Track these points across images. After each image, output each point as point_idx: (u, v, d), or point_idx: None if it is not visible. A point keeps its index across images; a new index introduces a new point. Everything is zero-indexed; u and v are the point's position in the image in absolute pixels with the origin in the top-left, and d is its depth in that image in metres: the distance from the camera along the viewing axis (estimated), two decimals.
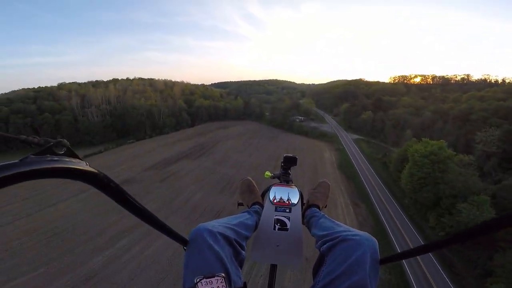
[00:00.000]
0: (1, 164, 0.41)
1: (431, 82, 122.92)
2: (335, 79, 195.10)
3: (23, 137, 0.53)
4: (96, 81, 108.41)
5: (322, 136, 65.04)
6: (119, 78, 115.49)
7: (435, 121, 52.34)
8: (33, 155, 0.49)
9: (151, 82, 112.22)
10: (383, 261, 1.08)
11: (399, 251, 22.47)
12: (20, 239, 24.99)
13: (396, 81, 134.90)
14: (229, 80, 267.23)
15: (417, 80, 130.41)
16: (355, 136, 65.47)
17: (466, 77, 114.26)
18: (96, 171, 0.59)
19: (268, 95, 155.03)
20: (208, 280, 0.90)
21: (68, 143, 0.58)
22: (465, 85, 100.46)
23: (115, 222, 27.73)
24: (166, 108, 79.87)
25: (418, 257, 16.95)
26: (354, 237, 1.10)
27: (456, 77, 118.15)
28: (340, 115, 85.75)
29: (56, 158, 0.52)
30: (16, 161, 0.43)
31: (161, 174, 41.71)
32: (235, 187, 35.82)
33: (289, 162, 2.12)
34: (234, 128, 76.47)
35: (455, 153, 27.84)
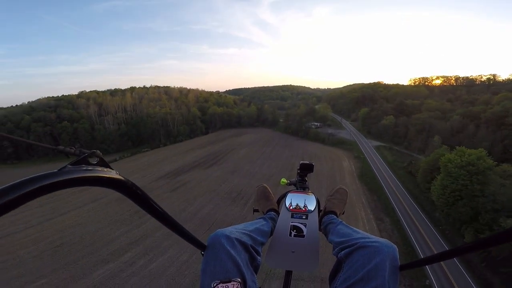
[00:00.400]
0: (43, 173, 0.45)
1: (455, 84, 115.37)
2: (351, 83, 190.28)
3: (61, 147, 0.59)
4: (115, 89, 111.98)
5: (340, 143, 61.49)
6: (137, 86, 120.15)
7: (465, 126, 47.92)
8: (70, 165, 0.54)
9: (166, 90, 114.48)
10: (403, 268, 1.06)
11: (429, 270, 19.17)
12: (27, 248, 24.75)
13: (417, 83, 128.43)
14: (243, 87, 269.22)
15: (438, 82, 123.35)
16: (376, 143, 61.21)
17: (492, 77, 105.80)
18: (125, 179, 0.63)
19: (282, 101, 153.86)
20: (224, 285, 0.92)
21: (101, 153, 0.64)
22: (492, 86, 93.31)
23: (121, 234, 27.03)
24: (181, 116, 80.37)
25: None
26: (373, 244, 1.08)
27: (482, 77, 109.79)
28: (358, 120, 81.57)
29: (90, 168, 0.57)
30: (56, 170, 0.48)
31: (172, 184, 40.90)
32: (247, 198, 34.11)
33: (306, 169, 2.09)
34: (247, 136, 75.13)
35: (496, 162, 24.39)
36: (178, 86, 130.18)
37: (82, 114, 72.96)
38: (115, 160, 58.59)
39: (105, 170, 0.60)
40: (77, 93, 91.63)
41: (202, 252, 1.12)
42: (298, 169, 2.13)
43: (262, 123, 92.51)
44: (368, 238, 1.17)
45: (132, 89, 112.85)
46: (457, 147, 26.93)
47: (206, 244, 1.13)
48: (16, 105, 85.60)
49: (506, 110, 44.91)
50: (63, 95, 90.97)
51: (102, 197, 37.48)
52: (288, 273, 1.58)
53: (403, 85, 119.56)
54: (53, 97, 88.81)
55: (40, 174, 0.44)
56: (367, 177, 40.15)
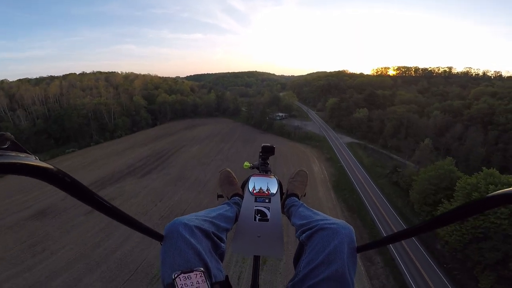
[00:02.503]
0: None
1: (414, 74, 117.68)
2: (315, 71, 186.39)
3: None
4: (50, 76, 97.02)
5: (308, 139, 53.26)
6: (77, 73, 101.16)
7: (450, 124, 43.16)
8: None
9: (108, 76, 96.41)
10: (360, 249, 1.07)
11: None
12: None
13: (379, 73, 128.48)
14: (206, 73, 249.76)
15: (393, 72, 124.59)
16: (348, 139, 53.79)
17: (448, 69, 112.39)
18: (47, 165, 0.51)
19: (247, 88, 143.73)
20: (186, 275, 0.87)
21: (12, 136, 0.52)
22: (449, 78, 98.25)
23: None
24: (119, 106, 65.90)
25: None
26: (331, 226, 1.09)
27: (439, 69, 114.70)
28: (325, 110, 74.71)
29: None
30: None
31: None
32: None
33: (267, 151, 2.07)
34: (203, 128, 64.47)
35: None
36: (126, 72, 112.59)
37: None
38: None
39: (20, 155, 0.49)
40: None
41: (161, 243, 1.04)
42: (260, 152, 2.09)
43: (222, 113, 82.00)
44: (327, 220, 1.17)
45: (65, 76, 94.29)
46: (483, 169, 19.89)
47: (163, 234, 1.06)
48: None
49: (491, 107, 41.30)
50: None
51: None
52: (256, 258, 1.57)
53: (367, 74, 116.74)
54: None
55: None
56: (343, 189, 32.29)
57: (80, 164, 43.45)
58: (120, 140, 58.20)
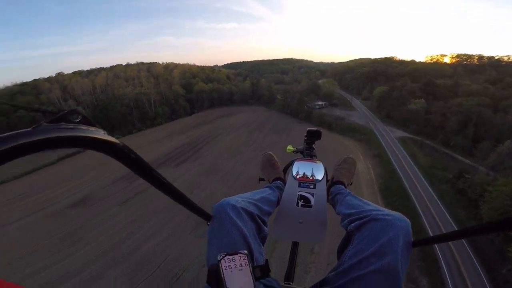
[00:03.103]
0: (12, 133, 0.36)
1: (476, 63, 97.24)
2: (357, 58, 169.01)
3: (36, 106, 0.71)
4: (99, 68, 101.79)
5: (352, 131, 47.02)
6: (124, 64, 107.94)
7: None
8: (46, 122, 0.43)
9: (150, 66, 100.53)
10: (416, 244, 1.02)
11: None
12: None
13: (434, 60, 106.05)
14: (242, 61, 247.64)
15: (447, 61, 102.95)
16: (399, 133, 45.92)
17: None
18: (115, 140, 0.53)
19: (283, 75, 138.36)
20: (231, 257, 0.89)
21: (83, 111, 0.54)
22: None
23: (43, 268, 19.25)
24: (159, 95, 67.98)
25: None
26: (385, 217, 1.04)
27: (510, 58, 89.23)
28: (371, 99, 66.44)
29: (71, 126, 0.46)
30: (28, 129, 0.38)
31: (128, 191, 30.59)
32: None
33: (313, 136, 2.03)
34: (238, 117, 63.09)
35: None
36: (166, 62, 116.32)
37: (43, 100, 60.98)
38: (79, 152, 48.01)
39: (91, 129, 0.50)
40: (54, 75, 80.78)
41: (208, 223, 1.08)
42: (305, 136, 2.06)
43: (257, 101, 79.62)
44: (380, 210, 1.13)
45: (112, 67, 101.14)
46: None
47: (211, 214, 1.08)
48: None
49: None
50: (34, 79, 78.43)
51: (40, 209, 27.95)
52: (295, 244, 1.59)
53: (420, 62, 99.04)
54: (18, 84, 75.74)
55: (6, 134, 0.35)
56: (394, 195, 27.20)
57: None
58: (159, 128, 60.10)
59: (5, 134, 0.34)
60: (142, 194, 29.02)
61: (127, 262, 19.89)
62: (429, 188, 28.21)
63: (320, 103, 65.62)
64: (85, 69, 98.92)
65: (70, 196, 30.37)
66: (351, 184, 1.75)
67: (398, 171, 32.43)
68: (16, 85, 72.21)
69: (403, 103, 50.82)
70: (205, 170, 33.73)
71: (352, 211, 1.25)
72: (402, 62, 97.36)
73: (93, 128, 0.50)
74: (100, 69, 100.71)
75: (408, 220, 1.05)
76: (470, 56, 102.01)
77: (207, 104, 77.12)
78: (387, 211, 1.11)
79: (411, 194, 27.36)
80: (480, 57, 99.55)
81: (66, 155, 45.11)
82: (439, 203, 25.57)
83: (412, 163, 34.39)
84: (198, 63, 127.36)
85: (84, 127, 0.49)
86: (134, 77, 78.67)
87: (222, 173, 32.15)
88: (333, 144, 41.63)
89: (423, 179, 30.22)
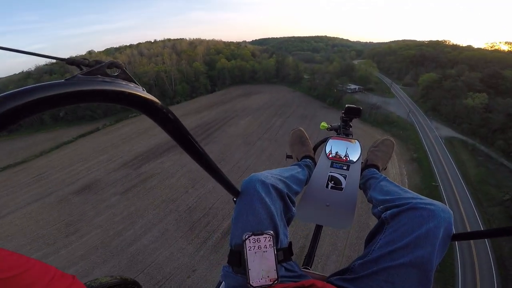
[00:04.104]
0: (44, 83, 0.34)
1: None
2: (400, 39, 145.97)
3: (71, 58, 0.44)
4: (130, 44, 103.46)
5: (388, 124, 39.40)
6: (153, 40, 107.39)
7: None
8: (81, 74, 0.40)
9: (174, 43, 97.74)
10: (456, 237, 0.94)
11: None
12: None
13: (494, 48, 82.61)
14: (271, 37, 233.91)
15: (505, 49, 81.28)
16: (446, 131, 37.47)
17: None
18: (154, 99, 0.49)
19: (314, 53, 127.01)
20: (256, 237, 0.87)
21: (123, 64, 0.48)
22: None
23: (40, 258, 16.71)
24: (179, 72, 65.43)
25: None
26: (427, 206, 0.94)
27: None
28: (416, 87, 55.80)
29: (108, 80, 0.43)
30: (62, 80, 0.36)
31: (131, 179, 29.24)
32: (215, 226, 20.98)
33: (351, 113, 1.86)
34: (258, 97, 58.46)
35: None
36: (191, 38, 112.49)
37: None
38: (97, 130, 48.54)
39: (130, 84, 0.46)
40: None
41: (234, 199, 1.02)
42: (342, 112, 1.92)
43: (282, 80, 73.45)
44: (421, 199, 1.00)
45: (138, 44, 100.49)
46: None
47: (239, 190, 1.01)
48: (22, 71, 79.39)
49: None
50: (71, 56, 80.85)
51: (48, 194, 27.92)
52: (319, 228, 1.48)
53: (479, 48, 79.18)
54: (48, 64, 78.14)
55: (40, 84, 0.33)
56: None
57: (135, 132, 44.77)
58: (178, 106, 58.26)
59: (37, 85, 0.33)
60: (138, 186, 27.36)
61: (116, 259, 18.52)
62: (474, 209, 22.11)
63: (353, 87, 57.44)
64: (116, 46, 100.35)
65: (75, 182, 29.91)
66: (385, 169, 1.58)
67: (438, 180, 26.31)
68: (46, 65, 75.12)
69: (456, 96, 40.94)
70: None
71: (388, 197, 1.14)
72: (456, 48, 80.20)
73: (132, 84, 0.47)
74: (128, 46, 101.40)
75: (451, 211, 0.95)
76: None
77: (229, 82, 73.25)
78: (429, 200, 0.98)
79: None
80: None
81: (81, 134, 45.59)
82: (482, 228, 19.83)
83: (458, 173, 27.39)
84: (226, 39, 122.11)
85: (123, 82, 0.45)
86: (156, 54, 76.97)
87: (227, 167, 28.83)
88: (363, 137, 35.86)
89: (469, 196, 23.85)
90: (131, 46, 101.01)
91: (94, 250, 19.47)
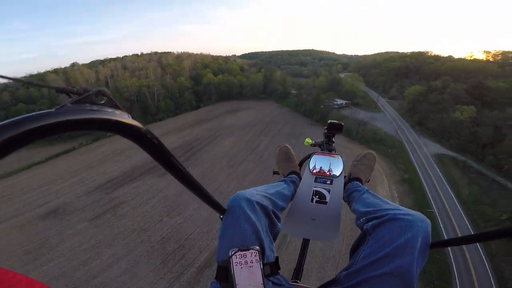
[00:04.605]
0: (35, 113, 0.34)
1: None
2: (383, 51, 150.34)
3: (61, 86, 0.45)
4: (117, 57, 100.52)
5: (376, 142, 38.08)
6: (140, 53, 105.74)
7: None
8: (70, 103, 0.41)
9: (161, 56, 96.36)
10: (434, 245, 0.97)
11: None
12: None
13: (472, 57, 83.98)
14: (260, 51, 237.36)
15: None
16: (436, 148, 36.20)
17: None
18: (139, 125, 0.50)
19: (302, 67, 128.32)
20: (242, 253, 0.88)
21: (109, 92, 0.50)
22: None
23: None
24: (163, 88, 63.43)
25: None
26: (405, 217, 0.99)
27: None
28: (401, 100, 55.67)
29: (96, 108, 0.44)
30: (52, 110, 0.37)
31: (102, 205, 26.56)
32: (192, 259, 18.59)
33: (334, 129, 1.93)
34: (245, 114, 56.89)
35: None
36: (179, 52, 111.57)
37: (45, 93, 58.61)
38: (73, 149, 45.22)
39: (116, 112, 0.47)
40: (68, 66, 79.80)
41: (221, 216, 1.05)
42: (325, 128, 1.98)
43: (269, 95, 72.48)
44: (399, 210, 1.06)
45: (124, 58, 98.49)
46: None
47: (225, 207, 1.05)
48: None
49: None
50: (46, 71, 77.16)
51: (8, 218, 25.25)
52: (306, 242, 1.53)
53: (460, 58, 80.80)
54: (27, 76, 74.71)
55: (29, 114, 0.33)
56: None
57: (111, 153, 41.80)
58: (160, 124, 55.75)
59: (28, 115, 0.33)
60: (109, 212, 24.65)
61: None
62: (472, 232, 20.83)
63: (340, 102, 56.94)
64: (102, 58, 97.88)
65: (41, 205, 27.28)
66: (368, 182, 1.66)
67: (433, 205, 24.86)
68: (25, 77, 71.52)
69: (443, 110, 40.31)
70: None
71: (369, 209, 1.19)
72: (438, 58, 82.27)
73: (118, 111, 0.48)
74: (113, 59, 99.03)
75: (429, 221, 0.99)
76: None
77: (215, 98, 71.46)
78: (407, 210, 1.04)
79: (444, 235, 20.38)
80: None
81: (55, 154, 42.34)
82: (482, 253, 18.54)
83: (451, 192, 26.29)
84: (215, 53, 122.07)
85: (109, 110, 0.46)
86: (140, 68, 75.00)
87: (210, 191, 26.49)
88: (350, 156, 34.39)
89: (465, 219, 22.65)
90: (116, 59, 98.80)
91: (55, 280, 17.22)
